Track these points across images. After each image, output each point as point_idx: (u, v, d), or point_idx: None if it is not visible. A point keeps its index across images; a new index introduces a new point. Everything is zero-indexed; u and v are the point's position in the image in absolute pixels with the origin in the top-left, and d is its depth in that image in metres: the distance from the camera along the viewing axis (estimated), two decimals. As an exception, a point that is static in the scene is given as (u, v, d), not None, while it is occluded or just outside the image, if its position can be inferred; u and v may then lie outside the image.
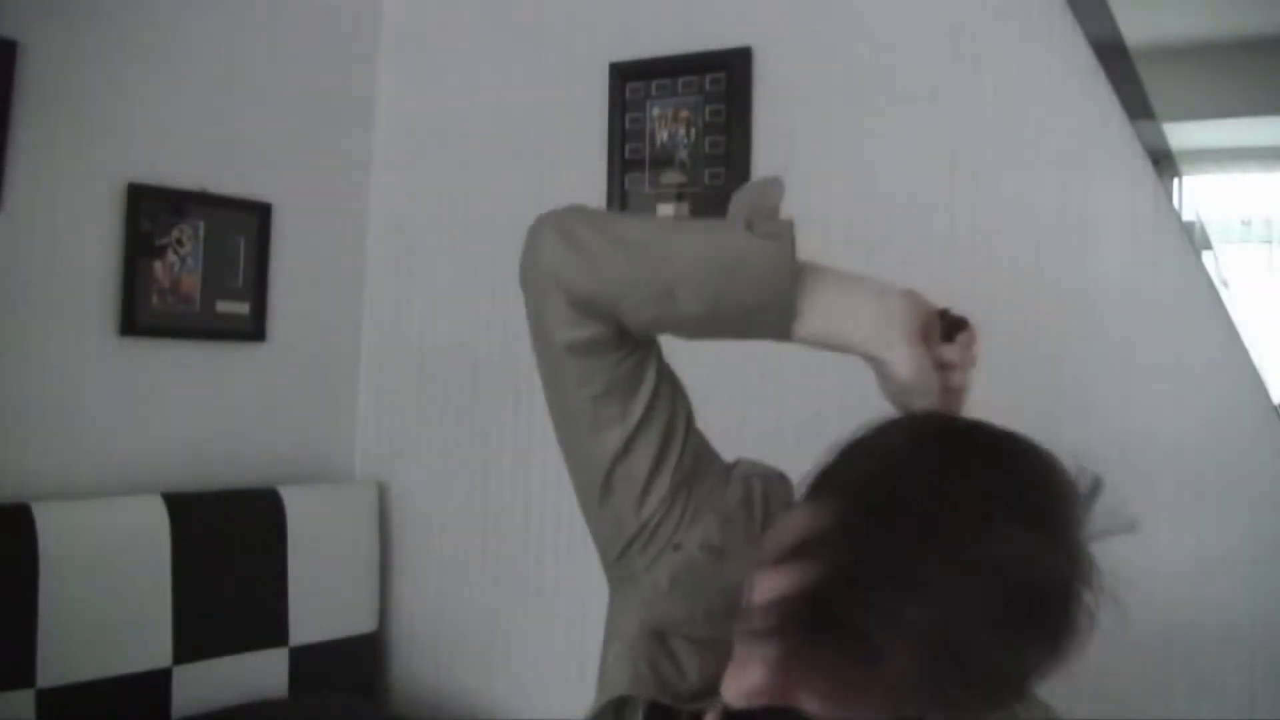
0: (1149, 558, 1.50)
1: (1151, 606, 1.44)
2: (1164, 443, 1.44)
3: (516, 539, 2.01)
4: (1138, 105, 1.48)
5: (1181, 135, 1.49)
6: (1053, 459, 0.67)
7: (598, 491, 0.87)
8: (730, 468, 0.91)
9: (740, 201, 0.80)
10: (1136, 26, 1.47)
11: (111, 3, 1.80)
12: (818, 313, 0.77)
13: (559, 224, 0.80)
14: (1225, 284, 1.45)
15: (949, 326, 0.80)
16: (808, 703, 0.65)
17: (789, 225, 0.76)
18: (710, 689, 0.78)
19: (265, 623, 1.88)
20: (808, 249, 0.78)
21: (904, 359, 0.75)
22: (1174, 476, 1.44)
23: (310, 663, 1.92)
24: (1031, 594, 0.60)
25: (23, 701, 1.54)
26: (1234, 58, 1.48)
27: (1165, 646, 1.44)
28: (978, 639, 0.59)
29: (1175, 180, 1.49)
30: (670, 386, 0.87)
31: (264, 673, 1.86)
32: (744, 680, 0.68)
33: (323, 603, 1.96)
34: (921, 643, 0.58)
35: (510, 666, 2.01)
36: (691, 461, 0.87)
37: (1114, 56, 1.48)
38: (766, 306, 0.75)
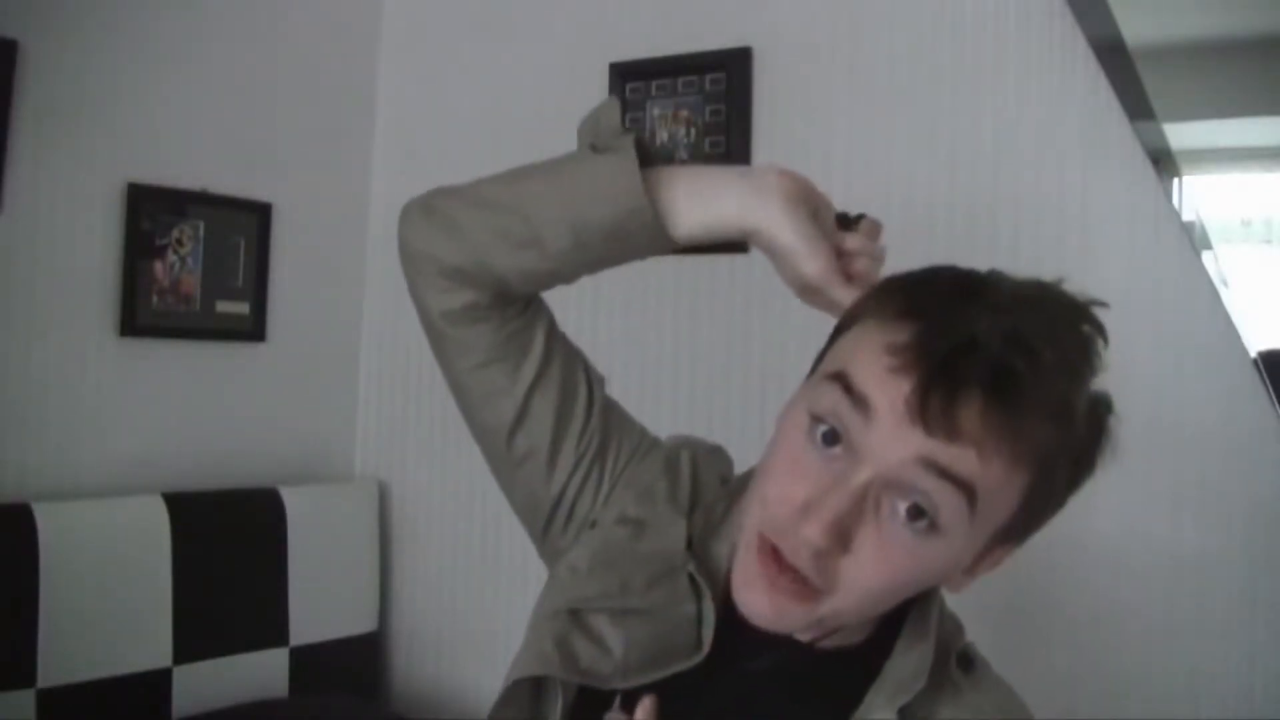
0: (1148, 554, 1.50)
1: (1151, 603, 1.44)
2: (1163, 442, 1.44)
3: (517, 539, 1.97)
4: (1138, 105, 1.48)
5: (1181, 135, 1.49)
6: None
7: (505, 465, 0.85)
8: (656, 440, 0.89)
9: (582, 130, 0.79)
10: (1136, 26, 1.47)
11: (111, 3, 1.80)
12: (685, 205, 0.74)
13: (420, 203, 0.82)
14: (1225, 284, 1.45)
15: (850, 221, 0.78)
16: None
17: (627, 136, 0.75)
18: (640, 663, 0.74)
19: (265, 623, 1.88)
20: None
21: (780, 221, 0.73)
22: (1173, 475, 1.44)
23: (310, 663, 1.92)
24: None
25: (23, 701, 1.54)
26: (1234, 58, 1.48)
27: (1165, 643, 1.44)
28: (1087, 433, 0.67)
29: (1175, 180, 1.49)
30: (565, 355, 0.85)
31: (264, 673, 1.86)
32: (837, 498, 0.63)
33: (323, 603, 1.96)
34: (1063, 415, 0.64)
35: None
36: (601, 431, 0.84)
37: (1114, 56, 1.48)
38: (627, 219, 0.73)
